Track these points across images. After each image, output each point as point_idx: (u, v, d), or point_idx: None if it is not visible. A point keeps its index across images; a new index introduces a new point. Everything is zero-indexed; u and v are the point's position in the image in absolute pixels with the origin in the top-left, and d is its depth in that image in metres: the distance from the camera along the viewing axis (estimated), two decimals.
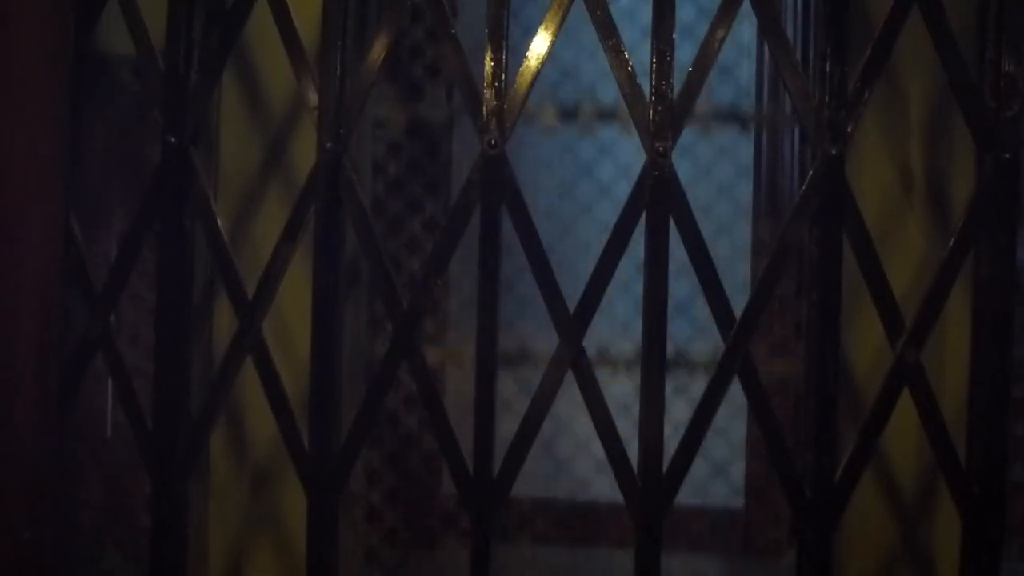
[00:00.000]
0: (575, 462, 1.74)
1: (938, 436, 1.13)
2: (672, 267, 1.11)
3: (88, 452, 1.37)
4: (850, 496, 1.13)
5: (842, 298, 1.16)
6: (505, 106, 1.11)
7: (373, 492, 1.52)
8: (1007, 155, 1.13)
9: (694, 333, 1.74)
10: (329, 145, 1.14)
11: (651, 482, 1.11)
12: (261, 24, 1.21)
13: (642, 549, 1.11)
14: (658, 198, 1.10)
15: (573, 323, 1.12)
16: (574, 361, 1.11)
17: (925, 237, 1.34)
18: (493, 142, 1.11)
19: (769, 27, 1.13)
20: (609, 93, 1.53)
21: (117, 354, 1.20)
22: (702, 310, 1.17)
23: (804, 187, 1.13)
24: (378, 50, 1.15)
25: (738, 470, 1.91)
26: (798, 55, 1.34)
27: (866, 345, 1.29)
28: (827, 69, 1.13)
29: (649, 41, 1.12)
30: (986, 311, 1.14)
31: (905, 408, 1.17)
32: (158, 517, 1.17)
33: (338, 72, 1.14)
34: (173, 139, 1.17)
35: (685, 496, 1.15)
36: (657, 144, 1.11)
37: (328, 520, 1.15)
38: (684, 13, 1.35)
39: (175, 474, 1.17)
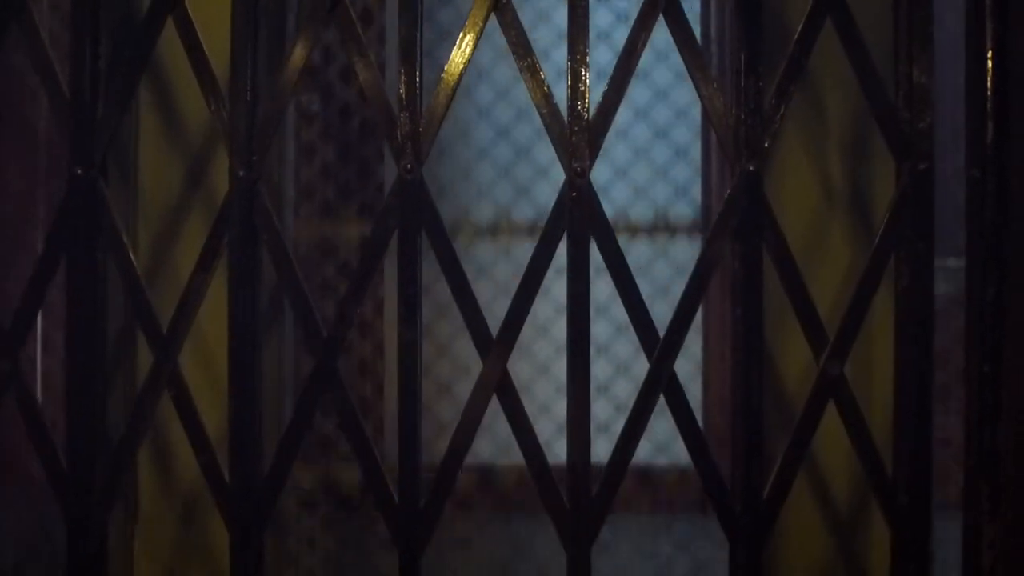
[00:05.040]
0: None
1: (864, 448, 1.13)
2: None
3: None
4: (779, 510, 1.12)
5: (770, 312, 1.16)
6: (421, 129, 1.10)
7: (308, 518, 1.48)
8: (922, 166, 1.14)
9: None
10: (242, 173, 1.12)
11: (580, 504, 1.10)
12: (178, 47, 1.18)
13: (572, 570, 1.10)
14: (578, 217, 1.10)
15: (497, 347, 1.10)
16: (499, 384, 1.10)
17: (849, 248, 1.34)
18: (409, 167, 1.09)
19: (683, 43, 1.13)
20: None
21: (27, 391, 1.16)
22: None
23: (723, 204, 1.13)
24: (291, 73, 1.13)
25: None
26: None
27: (795, 359, 1.29)
28: (743, 84, 1.13)
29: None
30: (907, 321, 1.15)
31: (838, 420, 1.18)
32: (73, 554, 1.14)
33: (248, 97, 1.12)
34: (79, 170, 1.13)
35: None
36: (575, 164, 1.10)
37: (252, 556, 1.12)
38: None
39: (91, 510, 1.14)
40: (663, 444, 1.64)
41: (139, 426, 1.15)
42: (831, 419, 1.18)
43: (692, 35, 1.14)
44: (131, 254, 1.16)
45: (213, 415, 1.17)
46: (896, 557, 1.16)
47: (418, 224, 1.10)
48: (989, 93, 1.12)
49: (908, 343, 1.14)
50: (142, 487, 1.32)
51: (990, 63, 1.12)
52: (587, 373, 1.09)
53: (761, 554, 1.12)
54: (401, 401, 1.11)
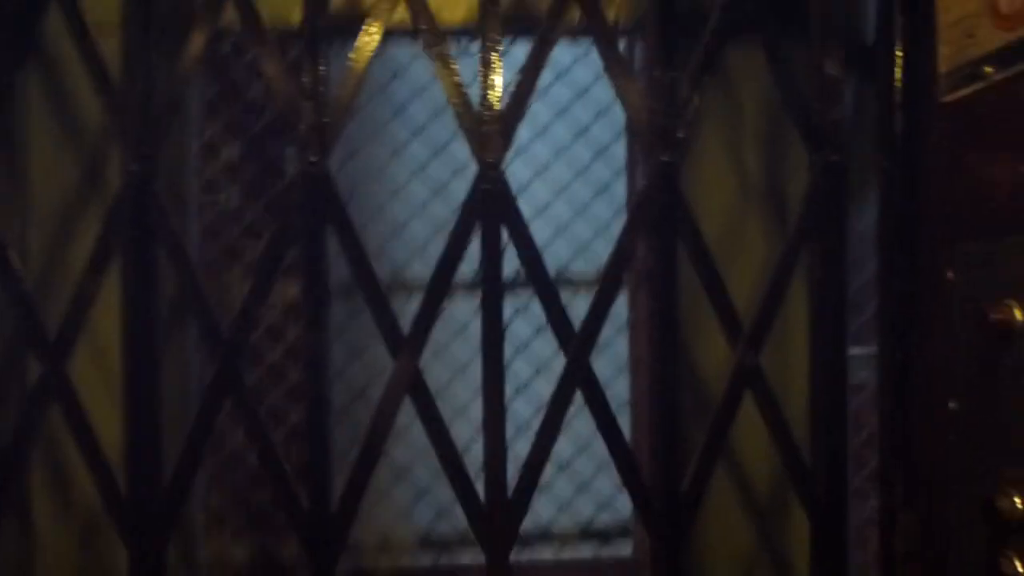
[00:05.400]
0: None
1: (782, 438, 1.13)
2: None
3: None
4: (699, 501, 1.11)
5: (686, 305, 1.15)
6: (326, 119, 1.06)
7: (218, 533, 1.42)
8: (834, 157, 1.14)
9: None
10: (134, 167, 1.06)
11: (497, 507, 1.07)
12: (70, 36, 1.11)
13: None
14: (490, 209, 1.07)
15: (408, 344, 1.06)
16: (411, 384, 1.06)
17: (765, 241, 1.34)
18: (314, 159, 1.05)
19: (598, 34, 1.11)
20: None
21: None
22: None
23: (638, 196, 1.12)
24: (188, 61, 1.07)
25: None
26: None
27: (712, 350, 1.28)
28: (657, 76, 1.12)
29: None
30: (821, 312, 1.15)
31: (757, 412, 1.17)
32: None
33: (141, 86, 1.06)
34: None
35: None
36: (487, 156, 1.07)
37: (150, 573, 1.05)
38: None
39: None
40: None
41: (25, 439, 1.08)
42: (751, 411, 1.17)
43: (606, 26, 1.13)
44: (10, 256, 1.08)
45: (115, 426, 1.10)
46: (815, 544, 1.16)
47: (323, 219, 1.06)
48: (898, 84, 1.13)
49: (822, 333, 1.15)
50: (36, 508, 1.24)
51: (899, 54, 1.13)
52: (501, 369, 1.06)
53: (681, 545, 1.11)
54: (310, 405, 1.06)
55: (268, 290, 1.06)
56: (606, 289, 1.10)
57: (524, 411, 1.51)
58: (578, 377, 1.08)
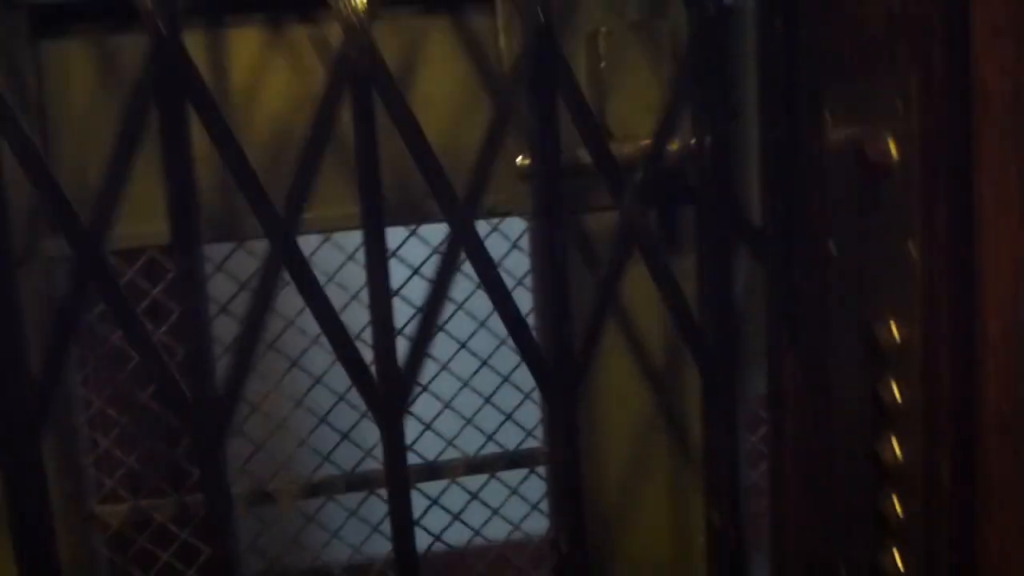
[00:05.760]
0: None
1: (670, 293, 1.13)
2: None
3: None
4: (591, 361, 1.11)
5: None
6: None
7: (103, 437, 1.35)
8: (710, 8, 1.12)
9: None
10: None
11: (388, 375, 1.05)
12: None
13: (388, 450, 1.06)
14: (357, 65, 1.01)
15: (283, 223, 1.02)
16: (288, 259, 1.02)
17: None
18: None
19: None
20: None
21: None
22: None
23: (517, 56, 1.07)
24: None
25: None
26: None
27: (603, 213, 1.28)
28: None
29: None
30: (707, 170, 1.14)
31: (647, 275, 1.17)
32: None
33: None
34: None
35: None
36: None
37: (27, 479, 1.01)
38: None
39: None
40: None
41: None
42: (643, 274, 1.17)
43: None
44: None
45: None
46: (707, 399, 1.18)
47: (182, 93, 0.99)
48: None
49: (708, 194, 1.14)
50: None
51: None
52: (382, 233, 1.02)
53: (576, 407, 1.11)
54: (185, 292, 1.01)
55: (126, 173, 0.99)
56: (489, 143, 1.06)
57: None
58: (461, 241, 1.05)
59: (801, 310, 1.12)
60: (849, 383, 1.05)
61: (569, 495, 1.13)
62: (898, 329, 0.96)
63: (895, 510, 1.00)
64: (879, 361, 0.98)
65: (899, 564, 1.00)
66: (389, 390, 1.04)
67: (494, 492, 1.49)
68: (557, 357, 1.08)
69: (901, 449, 0.98)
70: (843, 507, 1.10)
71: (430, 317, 1.07)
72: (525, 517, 1.49)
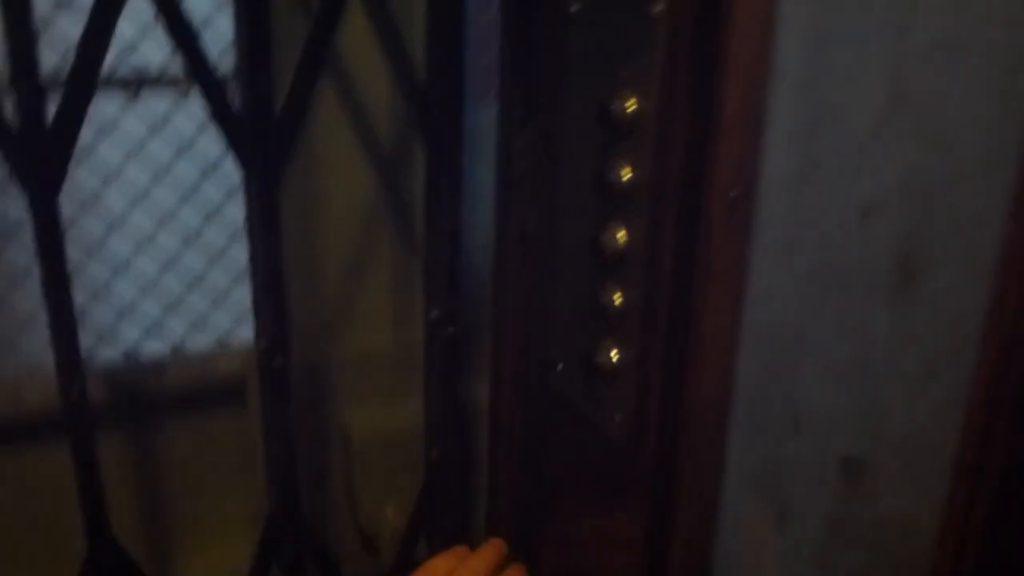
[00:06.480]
0: None
1: (390, 45, 0.98)
2: None
3: None
4: (297, 128, 0.95)
5: None
6: None
7: None
8: None
9: None
10: None
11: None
12: None
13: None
14: None
15: None
16: None
17: None
18: None
19: None
20: None
21: None
22: None
23: None
24: None
25: None
26: None
27: None
28: None
29: None
30: None
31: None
32: None
33: None
34: None
35: None
36: None
37: None
38: None
39: None
40: None
41: None
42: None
43: None
44: None
45: None
46: (430, 177, 1.06)
47: None
48: None
49: None
50: None
51: None
52: None
53: (279, 183, 0.95)
54: None
55: None
56: None
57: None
58: None
59: (537, 83, 1.01)
60: (580, 160, 0.96)
61: (269, 291, 0.98)
62: (636, 103, 0.87)
63: (613, 302, 0.95)
64: (612, 135, 0.90)
65: (613, 358, 0.96)
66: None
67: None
68: (253, 114, 0.91)
69: (625, 237, 0.92)
70: (565, 299, 1.05)
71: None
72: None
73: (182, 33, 0.86)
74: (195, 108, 1.19)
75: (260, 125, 0.92)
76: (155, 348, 1.33)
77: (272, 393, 1.01)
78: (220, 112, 0.90)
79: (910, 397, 0.71)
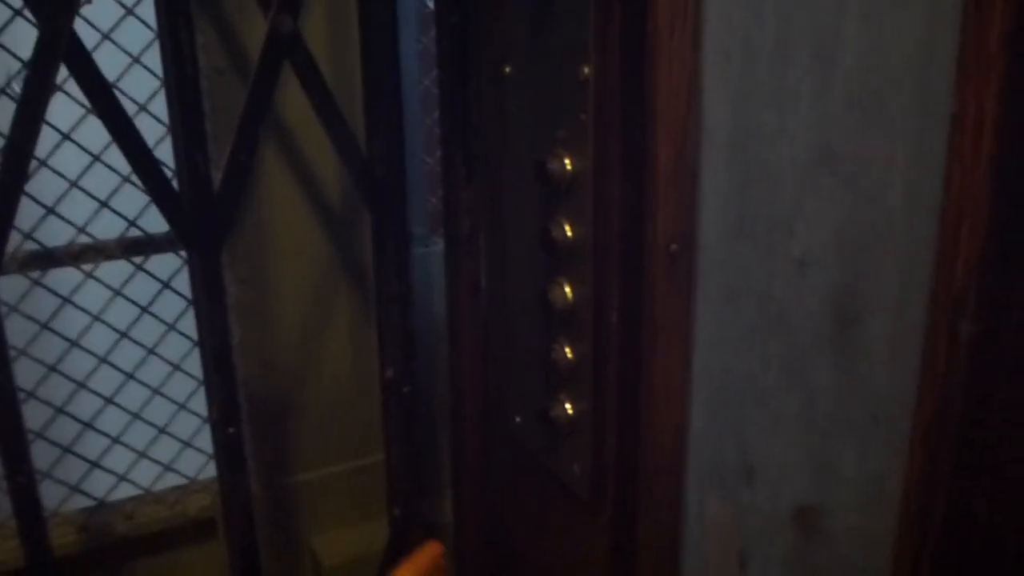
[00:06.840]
0: None
1: (327, 113, 0.98)
2: None
3: None
4: (235, 203, 0.94)
5: None
6: None
7: None
8: None
9: None
10: None
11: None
12: None
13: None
14: None
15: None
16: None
17: None
18: None
19: None
20: None
21: None
22: None
23: None
24: None
25: None
26: None
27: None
28: None
29: None
30: None
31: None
32: None
33: None
34: None
35: None
36: None
37: None
38: None
39: None
40: None
41: None
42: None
43: None
44: None
45: None
46: (376, 243, 1.06)
47: None
48: None
49: (373, 33, 0.98)
50: None
51: None
52: None
53: (218, 256, 0.94)
54: None
55: None
56: None
57: None
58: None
59: (478, 141, 1.01)
60: (522, 215, 0.96)
61: (218, 365, 0.97)
62: (571, 162, 0.88)
63: (565, 355, 0.95)
64: (552, 193, 0.90)
65: (568, 410, 0.96)
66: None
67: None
68: (196, 204, 0.90)
69: (572, 292, 0.92)
70: (519, 356, 1.05)
71: None
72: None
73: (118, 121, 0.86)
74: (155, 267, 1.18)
75: (200, 202, 0.91)
76: (125, 491, 1.31)
77: (228, 465, 1.00)
78: (160, 193, 0.90)
79: (859, 444, 0.71)
